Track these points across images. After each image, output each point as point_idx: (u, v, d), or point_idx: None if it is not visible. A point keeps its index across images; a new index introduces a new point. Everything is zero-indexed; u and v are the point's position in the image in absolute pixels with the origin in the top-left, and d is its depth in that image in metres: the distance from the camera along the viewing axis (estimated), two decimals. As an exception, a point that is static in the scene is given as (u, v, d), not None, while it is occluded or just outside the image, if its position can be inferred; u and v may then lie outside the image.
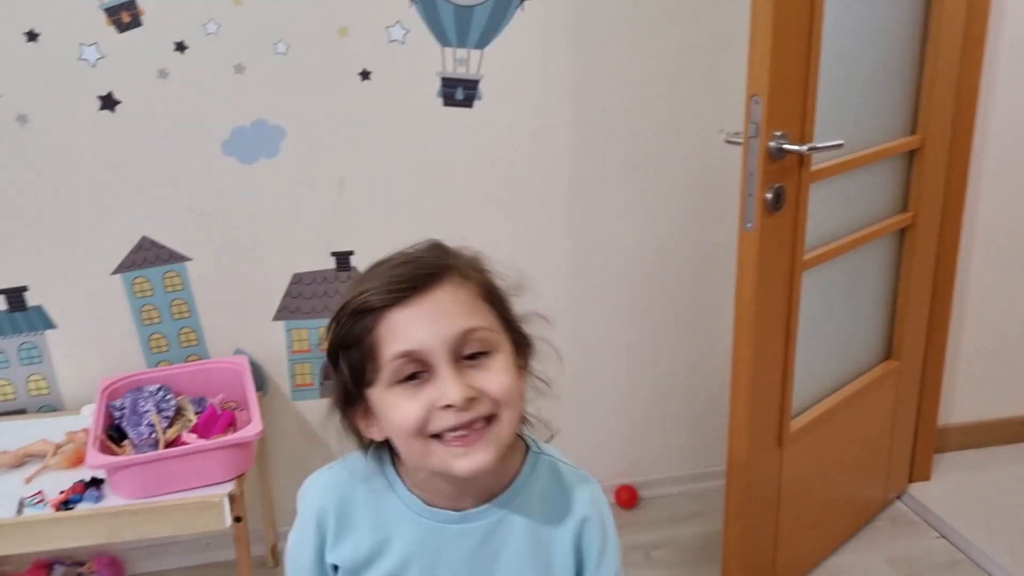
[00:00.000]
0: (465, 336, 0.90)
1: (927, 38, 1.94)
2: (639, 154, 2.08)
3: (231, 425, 1.78)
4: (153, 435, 1.69)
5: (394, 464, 1.04)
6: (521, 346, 0.99)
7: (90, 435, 1.67)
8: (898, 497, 2.36)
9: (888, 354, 2.18)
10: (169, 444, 1.69)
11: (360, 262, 2.01)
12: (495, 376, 0.91)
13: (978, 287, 2.38)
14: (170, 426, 1.74)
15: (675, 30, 2.00)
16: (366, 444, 1.02)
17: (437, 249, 0.98)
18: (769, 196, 1.61)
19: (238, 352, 2.02)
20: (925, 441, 2.38)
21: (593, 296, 2.18)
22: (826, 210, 1.82)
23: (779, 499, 1.94)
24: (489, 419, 0.91)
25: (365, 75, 1.89)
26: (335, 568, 1.06)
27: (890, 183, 2.03)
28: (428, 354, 0.89)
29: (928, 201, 2.08)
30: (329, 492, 1.05)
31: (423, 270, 0.92)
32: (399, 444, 0.95)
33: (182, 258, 1.94)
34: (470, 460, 0.91)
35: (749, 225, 1.63)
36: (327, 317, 2.07)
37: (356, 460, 1.04)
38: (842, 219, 1.90)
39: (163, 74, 1.81)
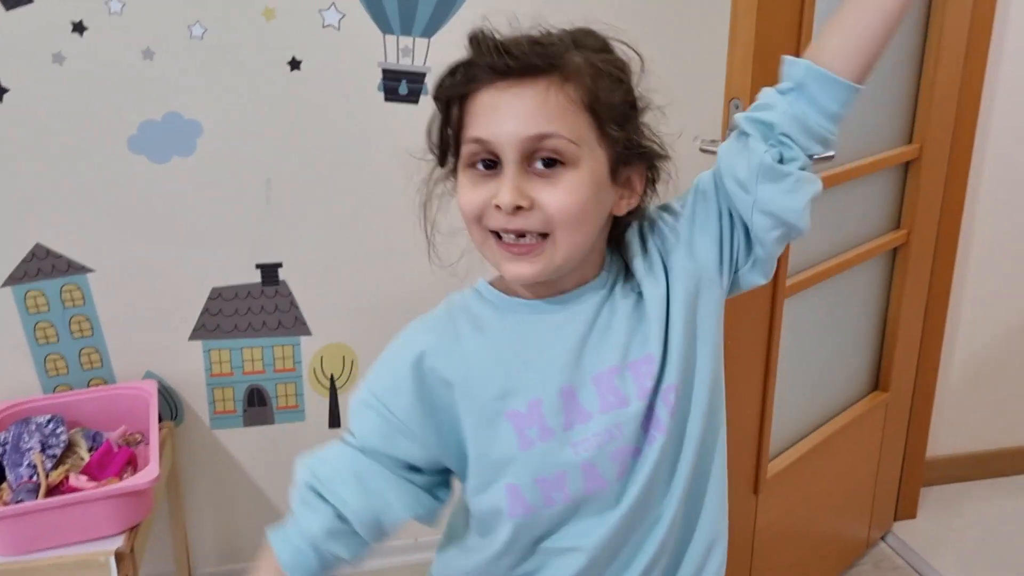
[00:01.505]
0: (537, 141, 0.83)
1: (927, 40, 1.75)
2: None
3: (130, 464, 1.55)
4: (34, 478, 1.46)
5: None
6: (628, 157, 0.92)
7: (-42, 478, 1.44)
8: (883, 537, 2.17)
9: (875, 385, 1.98)
10: (53, 489, 1.46)
11: (289, 274, 1.79)
12: (557, 193, 0.83)
13: (971, 311, 2.20)
14: (56, 466, 1.51)
15: (642, 24, 1.78)
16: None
17: (565, 41, 0.90)
18: (749, 215, 1.41)
19: (148, 376, 1.79)
20: (912, 476, 2.19)
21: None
22: (811, 228, 1.62)
23: (752, 548, 1.74)
24: (546, 236, 0.84)
25: (295, 64, 1.67)
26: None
27: (882, 198, 1.83)
28: (499, 148, 0.83)
29: (923, 217, 1.88)
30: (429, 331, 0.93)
31: (531, 59, 0.85)
32: (466, 226, 0.89)
33: (83, 269, 1.70)
34: (518, 267, 0.85)
35: (725, 247, 1.43)
36: (250, 336, 1.90)
37: (454, 296, 0.96)
38: (829, 238, 1.70)
39: (59, 59, 1.58)
